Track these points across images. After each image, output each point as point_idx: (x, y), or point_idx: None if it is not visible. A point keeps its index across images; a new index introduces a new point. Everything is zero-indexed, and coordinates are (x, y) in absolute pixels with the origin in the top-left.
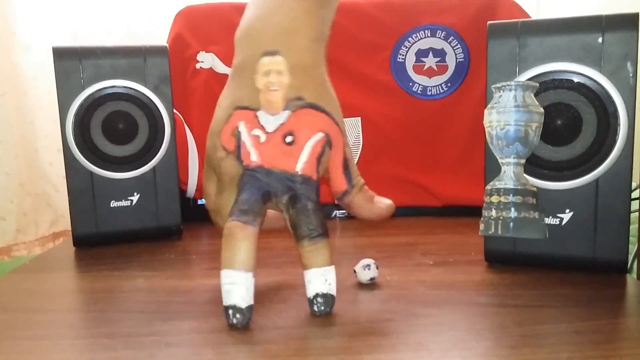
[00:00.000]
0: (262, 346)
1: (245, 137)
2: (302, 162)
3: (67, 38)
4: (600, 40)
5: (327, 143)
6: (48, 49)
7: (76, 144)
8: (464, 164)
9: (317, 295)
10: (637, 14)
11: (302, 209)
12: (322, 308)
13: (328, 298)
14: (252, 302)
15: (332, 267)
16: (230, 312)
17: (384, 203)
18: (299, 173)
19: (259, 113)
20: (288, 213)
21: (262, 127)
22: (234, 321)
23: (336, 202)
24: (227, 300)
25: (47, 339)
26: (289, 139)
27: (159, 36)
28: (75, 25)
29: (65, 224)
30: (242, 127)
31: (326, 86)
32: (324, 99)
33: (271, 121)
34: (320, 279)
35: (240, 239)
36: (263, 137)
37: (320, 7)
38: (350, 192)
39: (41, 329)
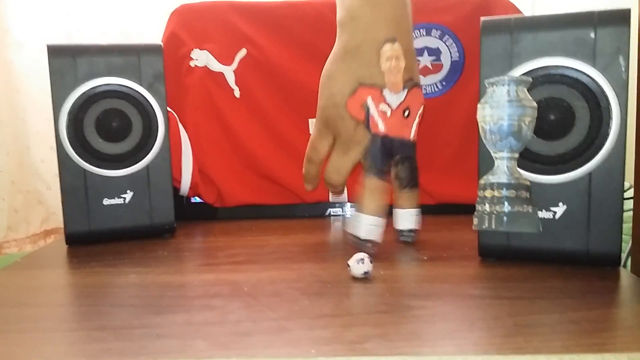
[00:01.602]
0: (256, 337)
1: (373, 111)
2: (414, 131)
3: (60, 36)
4: (592, 35)
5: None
6: (41, 46)
7: (69, 142)
8: (459, 163)
9: (409, 229)
10: (629, 9)
11: (408, 166)
12: (410, 239)
13: (415, 232)
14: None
15: (419, 210)
16: (370, 245)
17: None
18: (412, 139)
19: (385, 92)
20: (396, 167)
21: (388, 104)
22: (372, 252)
23: None
24: (368, 235)
25: (38, 331)
26: (406, 113)
27: (152, 36)
28: (69, 23)
29: (57, 221)
30: (370, 102)
31: (417, 65)
32: (419, 77)
33: (394, 99)
34: (410, 218)
35: (383, 193)
36: (389, 112)
37: None
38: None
39: (32, 323)
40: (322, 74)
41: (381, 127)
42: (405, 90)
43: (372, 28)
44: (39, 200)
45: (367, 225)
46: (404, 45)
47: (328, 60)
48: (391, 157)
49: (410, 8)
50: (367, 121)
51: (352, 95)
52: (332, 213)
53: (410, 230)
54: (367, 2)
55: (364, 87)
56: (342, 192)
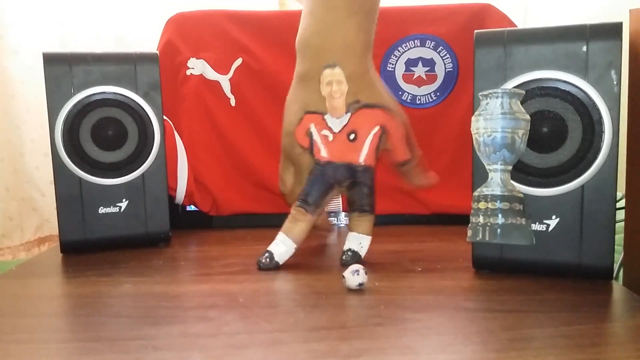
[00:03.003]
0: (251, 350)
1: (316, 137)
2: (363, 155)
3: (55, 42)
4: (584, 49)
5: (384, 133)
6: (36, 53)
7: (65, 150)
8: (453, 173)
9: (348, 250)
10: (621, 23)
11: (358, 192)
12: (348, 260)
13: (356, 255)
14: (282, 262)
15: (369, 237)
16: (267, 254)
17: (434, 175)
18: (362, 164)
19: (326, 117)
20: (347, 193)
21: (329, 128)
22: (263, 260)
23: (397, 169)
24: (271, 247)
25: (33, 342)
26: (352, 136)
27: (148, 42)
28: (64, 29)
29: (51, 228)
30: (313, 128)
31: (376, 85)
32: (375, 97)
33: (336, 123)
34: (356, 241)
35: (299, 220)
36: (331, 137)
37: (368, 21)
38: (411, 162)
39: (27, 333)
40: None
41: (323, 153)
42: (349, 114)
43: (319, 55)
44: (33, 207)
45: (276, 240)
46: (349, 70)
47: (290, 89)
48: (331, 185)
49: (368, 35)
50: (311, 147)
51: (299, 124)
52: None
53: (350, 251)
54: (318, 30)
55: (308, 115)
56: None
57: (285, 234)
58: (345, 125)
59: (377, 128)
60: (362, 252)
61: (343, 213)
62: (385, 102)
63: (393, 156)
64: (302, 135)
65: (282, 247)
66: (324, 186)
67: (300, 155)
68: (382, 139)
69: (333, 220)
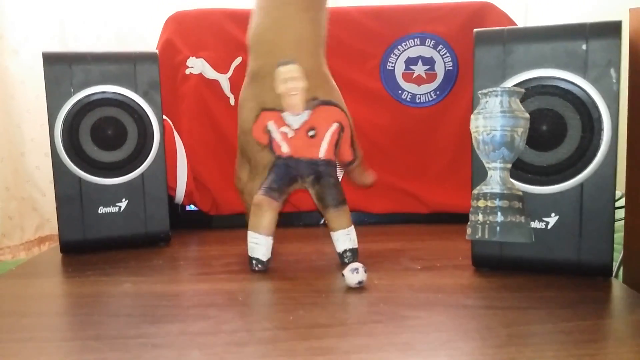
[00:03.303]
0: (251, 347)
1: (275, 134)
2: (323, 150)
3: (55, 42)
4: (584, 47)
5: (341, 130)
6: (37, 53)
7: (65, 150)
8: (452, 172)
9: (345, 250)
10: (620, 22)
11: (325, 184)
12: (351, 259)
13: (354, 251)
14: (270, 256)
15: (352, 227)
16: (254, 262)
17: (371, 176)
18: (322, 158)
19: (284, 114)
20: (314, 189)
21: (288, 126)
22: (257, 268)
23: (340, 169)
24: (252, 254)
25: (33, 341)
26: (311, 132)
27: (147, 40)
28: (64, 29)
29: (51, 228)
30: (272, 126)
31: (331, 82)
32: (332, 94)
33: (296, 120)
34: (346, 238)
35: (266, 210)
36: (291, 133)
37: (320, 16)
38: (354, 162)
39: (27, 332)
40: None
41: (284, 149)
42: (308, 111)
43: (272, 52)
44: (33, 207)
45: (250, 243)
46: (307, 65)
47: (242, 86)
48: (294, 177)
49: (321, 29)
50: (270, 144)
51: (256, 121)
52: (322, 223)
53: (347, 251)
54: (270, 26)
55: (265, 112)
56: None
57: (256, 232)
58: (305, 122)
59: (335, 125)
60: (356, 244)
61: None
62: (339, 100)
63: (339, 156)
64: (260, 133)
65: (261, 248)
66: (288, 177)
67: (257, 152)
68: (339, 135)
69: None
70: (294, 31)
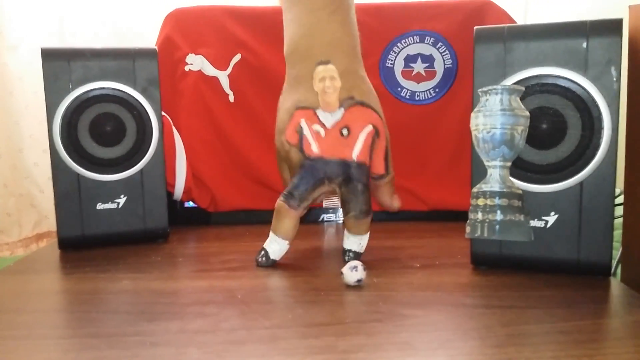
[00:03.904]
0: (250, 346)
1: (306, 132)
2: (357, 150)
3: (53, 38)
4: (584, 45)
5: (376, 133)
6: (35, 48)
7: (63, 146)
8: (451, 169)
9: (350, 250)
10: (621, 19)
11: (353, 189)
12: (352, 257)
13: (357, 254)
14: (278, 259)
15: (367, 235)
16: (262, 252)
17: (398, 202)
18: (355, 160)
19: (317, 111)
20: (341, 190)
21: (321, 123)
22: (259, 260)
23: (371, 180)
24: (266, 245)
25: (31, 338)
26: (345, 132)
27: (147, 37)
28: (62, 24)
29: (49, 225)
30: (304, 123)
31: (368, 85)
32: (369, 97)
33: (329, 118)
34: (356, 241)
35: (284, 217)
36: (323, 132)
37: (349, 14)
38: (384, 177)
39: (25, 329)
40: None
41: (314, 148)
42: (342, 109)
43: (309, 56)
44: (31, 203)
45: (270, 238)
46: (341, 66)
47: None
48: (321, 181)
49: (353, 29)
50: (300, 143)
51: (290, 120)
52: (325, 219)
53: (352, 252)
54: (304, 33)
55: (299, 110)
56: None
57: (274, 233)
58: (338, 121)
59: (370, 127)
60: (362, 250)
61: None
62: (377, 107)
63: (370, 166)
64: (291, 132)
65: (275, 245)
66: (314, 180)
67: (289, 153)
68: (374, 140)
69: (332, 216)
70: (327, 34)
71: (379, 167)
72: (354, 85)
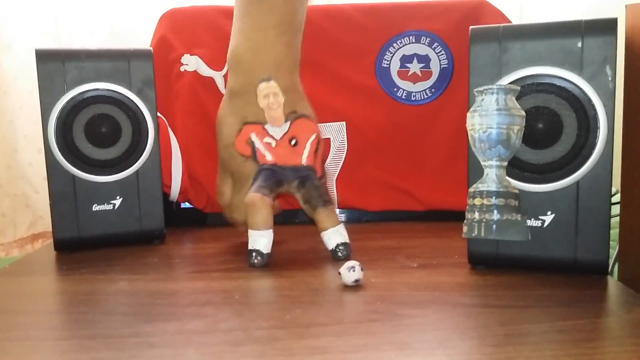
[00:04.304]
0: (247, 347)
1: (258, 145)
2: (305, 157)
3: (48, 37)
4: (579, 44)
5: (319, 141)
6: (30, 48)
7: (58, 147)
8: (448, 169)
9: (338, 245)
10: (616, 19)
11: (310, 186)
12: (345, 253)
13: (346, 245)
14: (269, 251)
15: (342, 224)
16: (254, 254)
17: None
18: (305, 164)
19: (266, 126)
20: (299, 192)
21: (271, 136)
22: (255, 261)
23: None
24: (252, 245)
25: (28, 340)
26: (293, 142)
27: (142, 36)
28: (57, 24)
29: (45, 225)
30: (254, 137)
31: (306, 100)
32: (309, 110)
33: (277, 131)
34: (337, 234)
35: (260, 206)
36: (274, 143)
37: (295, 38)
38: (321, 180)
39: (21, 331)
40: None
41: (269, 157)
42: (288, 123)
43: (253, 71)
44: (26, 204)
45: (250, 239)
46: (283, 84)
47: (221, 103)
48: (280, 180)
49: (297, 52)
50: (254, 155)
51: (238, 134)
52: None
53: (340, 245)
54: (250, 48)
55: (248, 125)
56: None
57: (256, 228)
58: (285, 133)
59: (314, 135)
60: (347, 239)
61: (337, 210)
62: (316, 119)
63: None
64: (243, 145)
65: (262, 239)
66: (275, 179)
67: (240, 164)
68: (319, 145)
69: None
70: (273, 53)
71: (318, 171)
72: (295, 100)
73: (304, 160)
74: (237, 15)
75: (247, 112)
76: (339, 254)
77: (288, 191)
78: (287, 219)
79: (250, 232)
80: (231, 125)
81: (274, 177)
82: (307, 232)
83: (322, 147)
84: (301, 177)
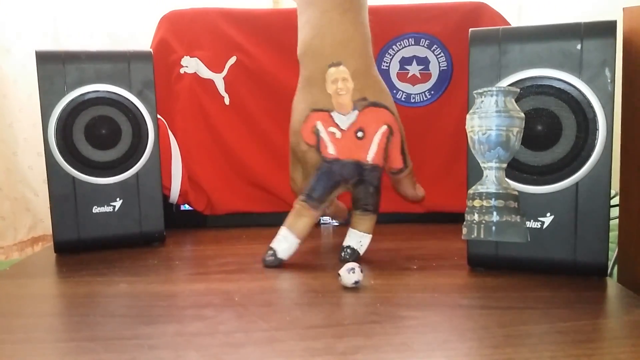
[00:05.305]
0: (248, 348)
1: (323, 134)
2: (372, 153)
3: (48, 40)
4: (579, 47)
5: (390, 133)
6: (29, 51)
7: (58, 149)
8: (447, 171)
9: (348, 247)
10: (615, 21)
11: (364, 189)
12: (348, 257)
13: (355, 252)
14: (286, 258)
15: (370, 236)
16: (270, 252)
17: (422, 191)
18: (369, 162)
19: (332, 114)
20: (353, 191)
21: (336, 125)
22: (267, 259)
23: (389, 176)
24: (274, 244)
25: (29, 342)
26: (359, 134)
27: (141, 39)
28: (57, 27)
29: (45, 228)
30: (320, 126)
31: (381, 84)
32: (381, 96)
33: (344, 120)
34: (356, 238)
35: (303, 216)
36: (338, 134)
37: (360, 14)
38: (403, 171)
39: (22, 333)
40: None
41: (331, 150)
42: (356, 111)
43: (321, 57)
44: (26, 207)
45: (278, 235)
46: (353, 67)
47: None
48: (337, 182)
49: (365, 28)
50: (317, 145)
51: (305, 121)
52: (322, 221)
53: (349, 248)
54: (315, 35)
55: (315, 112)
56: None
57: (289, 229)
58: (353, 123)
59: (384, 127)
60: (362, 250)
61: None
62: (390, 104)
63: (388, 162)
64: (308, 133)
65: (284, 243)
66: (330, 182)
67: (305, 152)
68: (389, 139)
69: (327, 219)
70: (338, 34)
71: (396, 162)
72: (366, 86)
73: (370, 157)
74: (301, 8)
75: (316, 99)
76: (342, 254)
77: (346, 189)
78: (281, 220)
79: (282, 228)
80: (300, 111)
81: (330, 181)
82: (307, 235)
83: (398, 137)
84: (361, 176)
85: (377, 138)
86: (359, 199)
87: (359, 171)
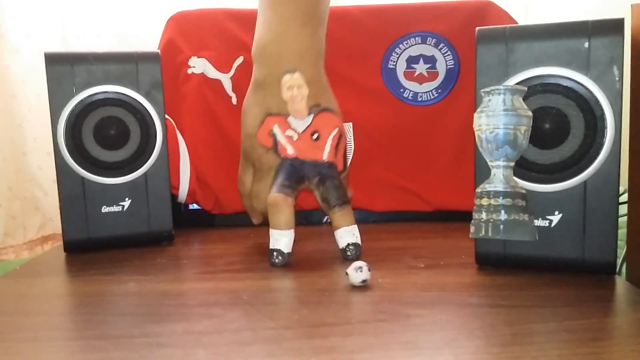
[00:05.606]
0: (255, 346)
1: (280, 137)
2: (327, 152)
3: (56, 41)
4: (586, 45)
5: (341, 135)
6: (37, 52)
7: (67, 150)
8: (455, 169)
9: (348, 244)
10: (623, 19)
11: (330, 185)
12: (354, 253)
13: (357, 246)
14: (290, 251)
15: (356, 226)
16: (275, 253)
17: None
18: (325, 160)
19: (289, 119)
20: (318, 190)
21: (293, 129)
22: (276, 261)
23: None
24: (274, 245)
25: (38, 341)
26: (315, 136)
27: (149, 40)
28: (65, 28)
29: (54, 227)
30: (277, 129)
31: (330, 92)
32: (332, 103)
33: (300, 124)
34: (349, 234)
35: (282, 207)
36: (295, 136)
37: (320, 31)
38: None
39: (31, 332)
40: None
41: (290, 151)
42: (311, 116)
43: (277, 62)
44: (36, 206)
45: (272, 239)
46: (308, 75)
47: (246, 94)
48: (301, 177)
49: (320, 42)
50: (275, 147)
51: (261, 125)
52: (329, 220)
53: (350, 244)
54: (273, 40)
55: (271, 117)
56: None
57: (278, 228)
58: (308, 126)
59: (336, 130)
60: (359, 240)
61: None
62: (339, 112)
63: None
64: (264, 136)
65: (283, 239)
66: (295, 175)
67: (261, 155)
68: (339, 141)
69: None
70: (296, 44)
71: (340, 164)
72: (319, 93)
73: (325, 155)
74: (262, 7)
75: (270, 103)
76: (348, 253)
77: (308, 188)
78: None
79: (272, 232)
80: (255, 115)
81: (296, 174)
82: (314, 233)
83: (344, 141)
84: (321, 174)
85: (330, 139)
86: (329, 197)
87: (318, 170)
